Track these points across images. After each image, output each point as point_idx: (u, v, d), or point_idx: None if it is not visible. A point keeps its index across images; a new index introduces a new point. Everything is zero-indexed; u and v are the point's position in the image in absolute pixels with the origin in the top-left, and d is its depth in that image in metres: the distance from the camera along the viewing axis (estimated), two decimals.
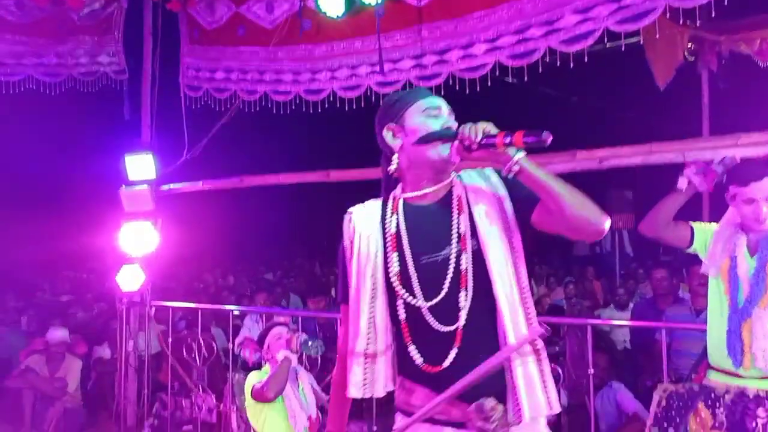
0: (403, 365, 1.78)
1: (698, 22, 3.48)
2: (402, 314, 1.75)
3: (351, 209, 1.90)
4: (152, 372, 5.36)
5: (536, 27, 3.67)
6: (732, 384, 2.46)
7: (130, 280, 5.15)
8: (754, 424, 2.30)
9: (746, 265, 2.49)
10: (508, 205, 1.77)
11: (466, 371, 1.67)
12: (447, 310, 1.71)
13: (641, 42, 4.10)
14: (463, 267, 1.72)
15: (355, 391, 1.76)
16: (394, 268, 1.76)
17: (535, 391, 1.67)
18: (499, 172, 1.80)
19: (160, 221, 5.26)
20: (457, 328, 1.70)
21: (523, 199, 1.74)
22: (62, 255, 10.10)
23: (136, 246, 5.16)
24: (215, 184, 5.33)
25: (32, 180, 10.88)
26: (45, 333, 5.88)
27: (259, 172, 5.21)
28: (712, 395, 2.46)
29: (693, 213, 3.02)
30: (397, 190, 1.86)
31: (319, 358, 4.26)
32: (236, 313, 5.58)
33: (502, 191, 1.78)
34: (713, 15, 3.24)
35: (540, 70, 3.74)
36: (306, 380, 3.47)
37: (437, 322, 1.71)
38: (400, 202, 1.83)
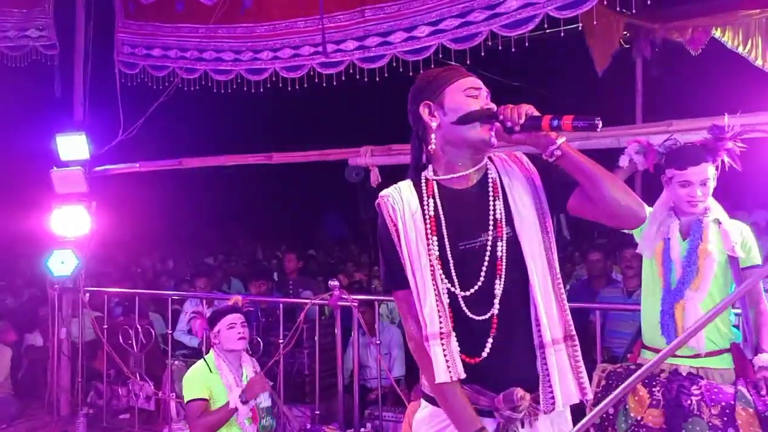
0: None
1: (633, 9, 3.57)
2: (446, 300, 1.69)
3: (384, 193, 1.80)
4: (87, 360, 5.21)
5: (479, 11, 3.70)
6: (665, 363, 2.55)
7: (62, 264, 4.97)
8: (688, 402, 2.38)
9: (679, 247, 2.58)
10: (542, 191, 1.74)
11: (503, 362, 1.66)
12: (482, 299, 1.68)
13: (579, 29, 4.19)
14: (498, 254, 1.68)
15: (443, 376, 1.65)
16: (434, 252, 1.70)
17: (567, 378, 1.66)
18: (531, 156, 1.77)
19: (95, 204, 5.09)
20: (492, 317, 1.67)
21: (559, 184, 1.71)
22: None
23: (69, 229, 4.98)
24: (153, 166, 5.18)
25: None
26: None
27: (200, 153, 5.09)
28: (649, 374, 2.55)
29: None
30: (429, 172, 1.78)
31: (261, 342, 4.21)
32: (175, 297, 5.47)
33: (537, 176, 1.75)
34: (648, 3, 3.34)
35: (482, 53, 3.78)
36: (250, 366, 3.42)
37: (472, 312, 1.67)
38: (434, 184, 1.76)
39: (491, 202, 1.72)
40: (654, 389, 2.47)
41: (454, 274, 1.69)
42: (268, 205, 14.21)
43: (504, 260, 1.68)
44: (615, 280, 4.97)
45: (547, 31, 3.77)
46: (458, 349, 1.67)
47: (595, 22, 4.14)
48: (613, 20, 5.52)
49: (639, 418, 2.46)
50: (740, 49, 5.76)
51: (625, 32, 5.93)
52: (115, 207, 5.75)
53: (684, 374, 2.48)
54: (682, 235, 2.59)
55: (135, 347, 4.80)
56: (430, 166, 1.79)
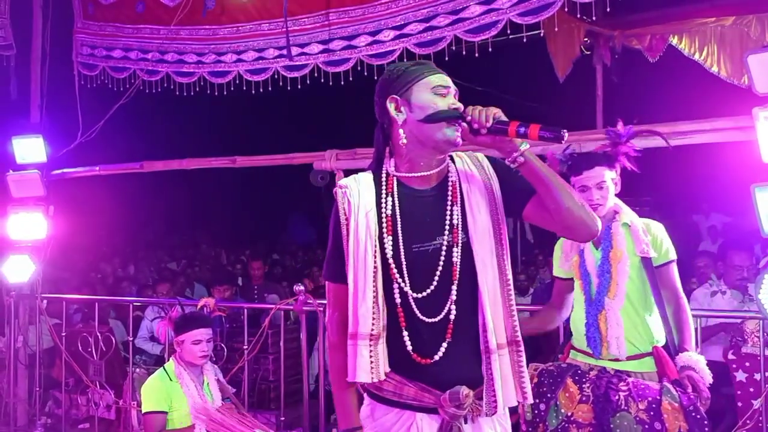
0: (390, 351, 1.71)
1: (594, 17, 3.64)
2: (398, 299, 1.70)
3: (343, 182, 1.78)
4: (44, 368, 5.08)
5: (443, 16, 3.74)
6: (593, 363, 2.61)
7: (18, 270, 4.85)
8: (616, 397, 2.45)
9: (593, 257, 2.62)
10: (499, 196, 1.74)
11: (451, 364, 1.68)
12: (435, 302, 1.69)
13: (541, 35, 4.25)
14: (454, 260, 1.69)
15: (364, 376, 1.67)
16: (389, 251, 1.70)
17: (510, 382, 1.69)
18: (491, 159, 1.78)
19: (52, 208, 4.97)
20: (448, 321, 1.68)
21: (518, 191, 1.71)
22: None
23: (25, 234, 4.86)
24: (113, 169, 5.09)
25: None
26: None
27: (162, 156, 5.01)
28: (579, 371, 2.60)
29: None
30: (390, 167, 1.77)
31: (225, 349, 4.17)
32: (137, 304, 5.37)
33: (495, 181, 1.75)
34: (608, 10, 3.41)
35: (446, 58, 3.81)
36: (212, 374, 3.37)
37: (422, 313, 1.68)
38: (395, 180, 1.75)
39: (449, 207, 1.72)
40: (584, 386, 2.54)
41: (406, 275, 1.70)
42: (232, 209, 14.06)
43: (459, 266, 1.69)
44: None
45: (510, 36, 3.83)
46: (386, 352, 1.69)
47: (556, 29, 4.21)
48: (574, 27, 5.63)
49: (569, 413, 2.52)
50: (696, 57, 5.91)
51: (585, 39, 6.06)
52: (74, 211, 5.64)
53: (612, 372, 2.54)
54: (595, 245, 2.64)
55: (95, 355, 4.70)
56: (392, 160, 1.78)
